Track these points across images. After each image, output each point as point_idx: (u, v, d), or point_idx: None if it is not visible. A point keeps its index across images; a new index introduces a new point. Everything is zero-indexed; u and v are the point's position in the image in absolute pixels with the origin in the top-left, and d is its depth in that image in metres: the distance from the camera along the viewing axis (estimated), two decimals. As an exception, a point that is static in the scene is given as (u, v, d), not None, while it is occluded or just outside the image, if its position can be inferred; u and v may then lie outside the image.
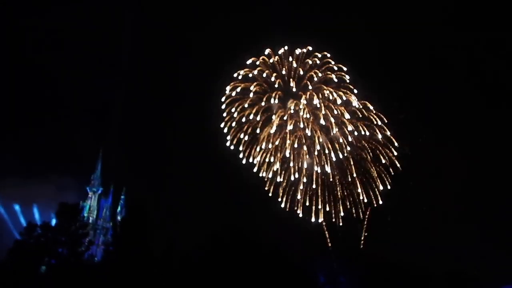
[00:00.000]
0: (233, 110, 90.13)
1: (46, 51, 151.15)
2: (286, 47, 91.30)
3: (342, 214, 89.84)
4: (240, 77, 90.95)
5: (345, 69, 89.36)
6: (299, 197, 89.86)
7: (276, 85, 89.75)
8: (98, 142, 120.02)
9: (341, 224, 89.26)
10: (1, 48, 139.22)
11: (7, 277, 45.39)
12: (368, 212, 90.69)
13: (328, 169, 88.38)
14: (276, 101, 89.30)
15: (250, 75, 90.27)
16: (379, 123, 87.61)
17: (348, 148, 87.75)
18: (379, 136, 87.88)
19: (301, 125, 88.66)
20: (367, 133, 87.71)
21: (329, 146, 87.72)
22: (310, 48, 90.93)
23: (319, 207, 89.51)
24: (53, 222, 57.44)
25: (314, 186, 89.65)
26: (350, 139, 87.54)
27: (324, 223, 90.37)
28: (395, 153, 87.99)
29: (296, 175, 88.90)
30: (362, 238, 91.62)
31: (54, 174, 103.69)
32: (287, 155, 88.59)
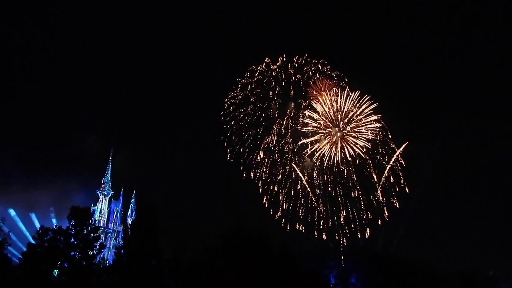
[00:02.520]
0: (232, 122, 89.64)
1: (50, 54, 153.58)
2: (284, 56, 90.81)
3: (347, 232, 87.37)
4: (238, 88, 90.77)
5: (346, 79, 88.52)
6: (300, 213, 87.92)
7: (275, 94, 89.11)
8: (108, 147, 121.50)
9: (345, 243, 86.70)
10: (3, 51, 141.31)
11: (21, 280, 45.96)
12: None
13: (330, 182, 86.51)
14: (276, 113, 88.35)
15: (248, 87, 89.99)
16: (383, 133, 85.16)
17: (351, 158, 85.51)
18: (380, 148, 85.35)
19: (301, 133, 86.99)
20: (369, 145, 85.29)
21: (331, 156, 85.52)
22: (309, 59, 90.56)
23: (321, 226, 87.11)
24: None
25: (314, 204, 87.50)
26: (351, 151, 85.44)
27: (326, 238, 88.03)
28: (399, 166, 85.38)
29: (298, 188, 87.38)
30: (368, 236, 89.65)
31: (59, 179, 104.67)
32: (287, 167, 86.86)
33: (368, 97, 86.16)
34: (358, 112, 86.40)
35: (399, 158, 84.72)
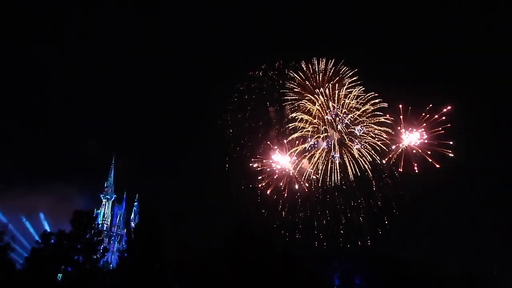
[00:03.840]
0: (231, 130, 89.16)
1: (52, 55, 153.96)
2: (281, 62, 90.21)
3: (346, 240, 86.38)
4: (236, 95, 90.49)
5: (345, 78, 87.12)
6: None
7: (273, 100, 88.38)
8: (110, 150, 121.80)
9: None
10: (5, 53, 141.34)
11: (25, 284, 46.16)
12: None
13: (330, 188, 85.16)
14: (274, 119, 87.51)
15: (246, 96, 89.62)
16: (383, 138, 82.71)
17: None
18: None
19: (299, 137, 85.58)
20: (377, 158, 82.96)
21: (328, 163, 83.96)
22: (305, 64, 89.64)
23: (320, 235, 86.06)
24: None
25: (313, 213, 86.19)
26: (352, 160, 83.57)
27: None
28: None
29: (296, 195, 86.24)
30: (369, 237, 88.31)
31: (62, 183, 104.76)
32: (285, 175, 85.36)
33: (372, 95, 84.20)
34: (357, 114, 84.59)
35: (397, 164, 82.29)
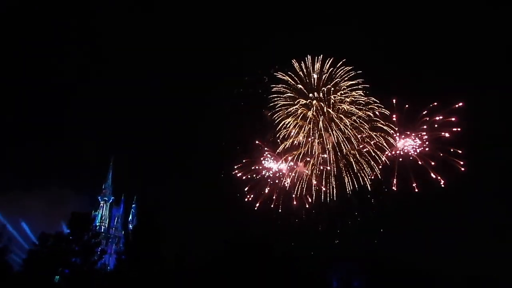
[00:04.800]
0: (228, 139, 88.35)
1: (52, 57, 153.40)
2: (276, 67, 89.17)
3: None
4: (234, 99, 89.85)
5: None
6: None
7: (268, 107, 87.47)
8: (109, 151, 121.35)
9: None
10: (4, 56, 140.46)
11: (21, 286, 45.80)
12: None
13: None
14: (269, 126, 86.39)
15: (242, 103, 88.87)
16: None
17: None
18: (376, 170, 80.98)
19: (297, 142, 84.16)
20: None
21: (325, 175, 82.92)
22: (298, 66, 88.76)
23: (317, 241, 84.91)
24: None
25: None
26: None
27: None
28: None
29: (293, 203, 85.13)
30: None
31: (59, 184, 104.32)
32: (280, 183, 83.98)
33: (372, 99, 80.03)
34: (353, 119, 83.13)
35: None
